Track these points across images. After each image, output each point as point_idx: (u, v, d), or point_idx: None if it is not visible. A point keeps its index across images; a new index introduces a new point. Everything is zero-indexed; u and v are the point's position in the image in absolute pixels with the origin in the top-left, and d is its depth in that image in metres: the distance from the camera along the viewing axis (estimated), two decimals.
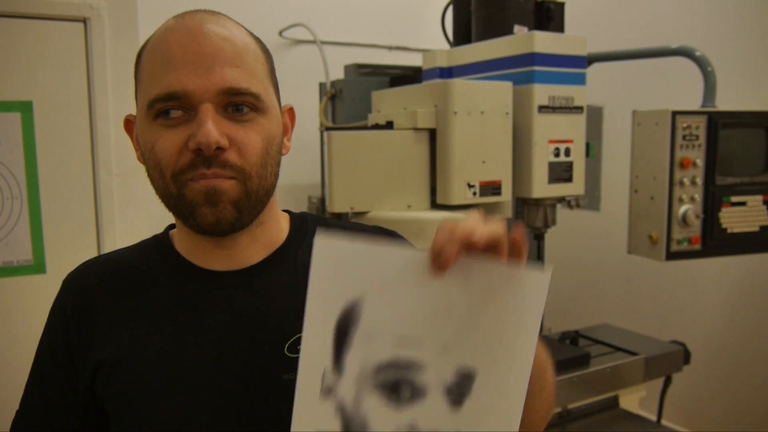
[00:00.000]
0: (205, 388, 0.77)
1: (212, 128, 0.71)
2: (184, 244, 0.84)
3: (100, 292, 0.82)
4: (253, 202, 0.77)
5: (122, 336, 0.79)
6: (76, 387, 0.81)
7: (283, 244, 0.86)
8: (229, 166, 0.74)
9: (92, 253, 1.97)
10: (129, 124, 0.84)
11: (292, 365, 0.77)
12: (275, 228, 0.87)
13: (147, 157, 0.77)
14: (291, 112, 0.88)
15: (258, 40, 0.82)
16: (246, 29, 0.81)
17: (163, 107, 0.74)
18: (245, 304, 0.81)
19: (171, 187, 0.75)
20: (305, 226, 0.90)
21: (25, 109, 1.86)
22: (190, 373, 0.77)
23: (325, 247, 0.62)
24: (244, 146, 0.75)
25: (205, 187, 0.73)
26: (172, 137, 0.73)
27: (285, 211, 0.93)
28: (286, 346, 0.79)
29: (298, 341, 0.79)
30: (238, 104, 0.75)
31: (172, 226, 0.90)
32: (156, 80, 0.74)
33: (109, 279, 0.83)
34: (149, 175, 0.78)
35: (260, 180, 0.77)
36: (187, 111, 0.74)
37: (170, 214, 0.80)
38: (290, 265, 0.85)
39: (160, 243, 0.87)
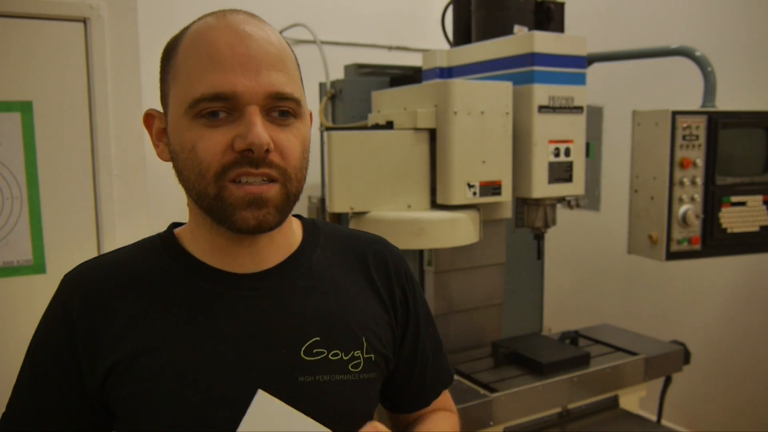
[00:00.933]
0: (222, 389, 0.77)
1: (263, 130, 0.73)
2: (200, 243, 0.84)
3: (110, 294, 0.81)
4: (291, 204, 0.79)
5: (137, 336, 0.78)
6: (80, 388, 0.80)
7: (297, 249, 0.88)
8: (275, 166, 0.75)
9: (92, 253, 1.97)
10: (150, 118, 0.84)
11: (308, 368, 0.80)
12: (290, 231, 0.89)
13: (184, 156, 0.76)
14: (310, 116, 0.89)
15: (289, 45, 0.83)
16: (279, 33, 0.82)
17: (209, 107, 0.74)
18: (262, 306, 0.81)
19: (210, 188, 0.75)
20: (318, 232, 0.92)
21: (25, 109, 1.86)
22: (206, 374, 0.77)
23: (263, 401, 0.72)
24: (286, 150, 0.76)
25: (250, 195, 0.74)
26: (217, 137, 0.74)
27: (295, 216, 0.94)
28: (303, 349, 0.81)
29: (314, 345, 0.81)
30: (282, 109, 0.76)
31: (174, 225, 0.90)
32: (201, 79, 0.74)
33: (118, 280, 0.82)
34: (181, 174, 0.78)
35: (298, 183, 0.79)
36: (231, 112, 0.74)
37: (171, 215, 0.80)
38: (306, 269, 0.86)
39: (168, 243, 0.86)
